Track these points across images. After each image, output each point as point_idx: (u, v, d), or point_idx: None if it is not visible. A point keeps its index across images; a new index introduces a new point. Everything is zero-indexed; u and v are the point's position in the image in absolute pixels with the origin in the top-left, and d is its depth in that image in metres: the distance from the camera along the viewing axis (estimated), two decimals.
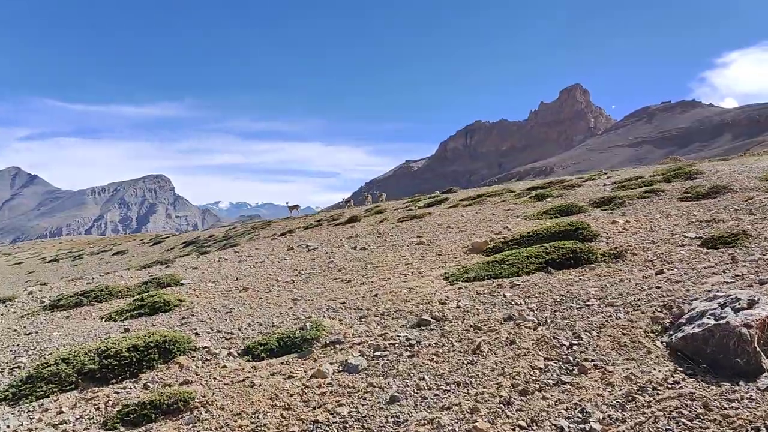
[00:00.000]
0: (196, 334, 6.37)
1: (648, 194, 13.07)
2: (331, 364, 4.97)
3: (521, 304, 5.87)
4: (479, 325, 5.37)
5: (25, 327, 8.38)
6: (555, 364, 4.36)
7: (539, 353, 4.59)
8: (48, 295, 11.51)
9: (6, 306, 10.69)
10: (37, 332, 7.88)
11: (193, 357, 5.63)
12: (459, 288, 6.88)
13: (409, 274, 8.20)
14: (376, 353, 5.06)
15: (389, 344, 5.21)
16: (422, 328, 5.55)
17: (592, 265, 7.15)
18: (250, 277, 10.28)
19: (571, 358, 4.40)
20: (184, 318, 7.41)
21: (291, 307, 7.19)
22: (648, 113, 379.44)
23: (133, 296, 9.63)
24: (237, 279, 10.18)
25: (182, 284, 10.28)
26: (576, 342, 4.71)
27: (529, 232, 9.19)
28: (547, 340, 4.81)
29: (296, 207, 44.84)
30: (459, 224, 13.64)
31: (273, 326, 6.35)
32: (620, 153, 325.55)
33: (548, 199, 15.84)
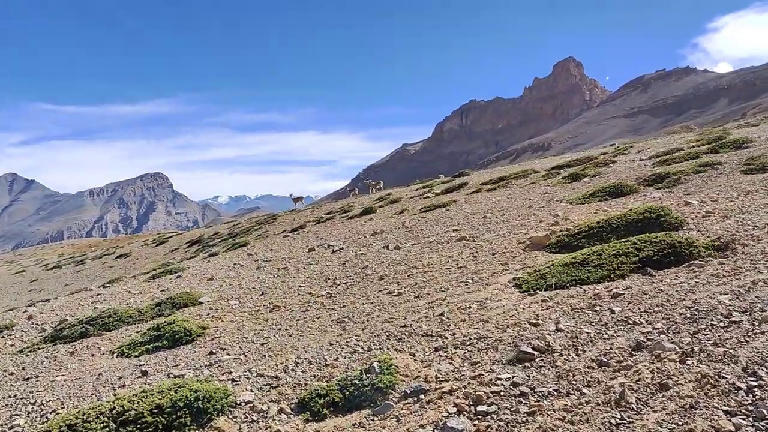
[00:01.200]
0: (233, 380, 5.12)
1: (704, 168, 11.81)
2: (422, 427, 3.75)
3: (642, 323, 4.62)
4: (603, 359, 4.12)
5: (23, 368, 7.14)
6: (746, 423, 3.14)
7: (713, 404, 3.35)
8: (50, 320, 10.27)
9: (3, 337, 9.46)
10: (37, 376, 6.64)
11: (235, 418, 4.39)
12: (544, 301, 5.65)
13: (469, 281, 6.96)
14: (479, 408, 3.82)
15: (492, 393, 3.97)
16: (526, 365, 4.31)
17: (699, 261, 5.90)
18: (276, 290, 9.03)
19: (765, 411, 3.18)
20: (212, 353, 6.16)
21: (340, 334, 5.96)
22: (643, 83, 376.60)
23: (147, 321, 8.39)
24: (263, 294, 8.92)
25: (200, 303, 9.02)
26: (755, 383, 3.48)
27: (598, 222, 7.92)
28: (712, 382, 3.57)
29: (300, 199, 43.05)
30: (496, 213, 12.39)
31: (327, 365, 5.11)
32: (617, 124, 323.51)
33: (585, 179, 14.57)
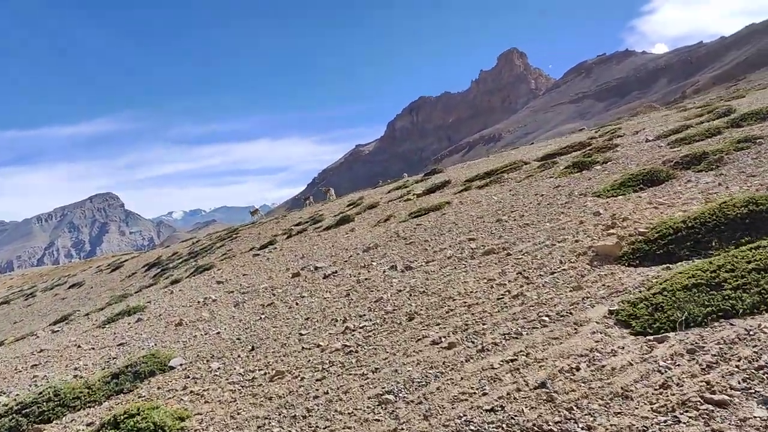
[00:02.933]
0: None
1: (745, 144, 10.28)
2: None
3: None
4: None
5: None
6: None
7: None
8: None
9: None
10: None
11: None
12: (690, 351, 3.82)
13: (545, 319, 5.08)
14: None
15: None
16: None
17: None
18: (270, 342, 6.94)
19: None
20: None
21: (394, 430, 3.97)
22: (585, 68, 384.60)
23: (101, 403, 6.20)
24: (253, 349, 6.81)
25: (172, 368, 6.85)
26: None
27: (684, 222, 6.16)
28: None
29: (257, 211, 44.82)
30: (510, 214, 10.58)
31: None
32: (564, 110, 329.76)
33: (597, 167, 12.93)
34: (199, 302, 11.58)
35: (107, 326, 12.08)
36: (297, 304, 8.54)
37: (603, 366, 3.97)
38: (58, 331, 15.64)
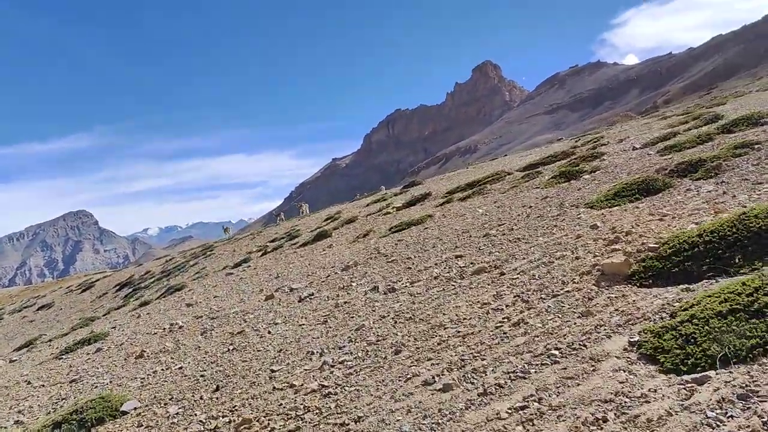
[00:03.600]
0: None
1: (743, 150, 9.76)
2: None
3: None
4: None
5: None
6: None
7: None
8: None
9: None
10: None
11: None
12: (741, 397, 3.14)
13: (553, 352, 4.37)
14: None
15: None
16: None
17: None
18: (237, 379, 6.09)
19: None
20: None
21: None
22: (558, 79, 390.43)
23: None
24: (217, 389, 5.95)
25: (124, 413, 5.96)
26: None
27: (700, 236, 5.51)
28: None
29: (228, 229, 45.75)
30: (498, 228, 9.90)
31: None
32: (538, 121, 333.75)
33: (585, 176, 12.36)
34: (164, 329, 10.66)
35: (65, 357, 11.08)
36: (269, 332, 7.70)
37: (636, 417, 3.26)
38: (15, 360, 14.55)
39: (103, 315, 21.88)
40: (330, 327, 7.02)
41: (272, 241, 24.83)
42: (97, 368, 8.72)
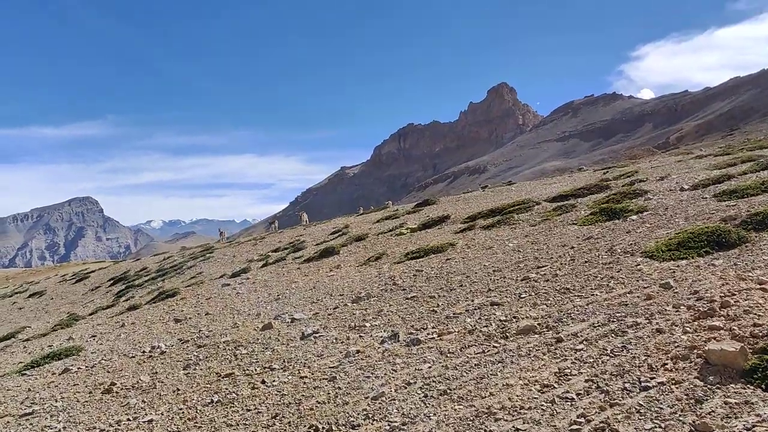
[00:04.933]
0: None
1: None
2: None
3: None
4: None
5: None
6: None
7: None
8: None
9: None
10: None
11: None
12: None
13: None
14: None
15: None
16: None
17: None
18: None
19: None
20: None
21: None
22: (573, 108, 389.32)
23: None
24: None
25: None
26: None
27: None
28: None
29: (223, 233, 48.38)
30: (537, 270, 8.52)
31: None
32: (549, 148, 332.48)
33: (632, 217, 10.99)
34: (144, 352, 9.28)
35: (28, 373, 9.70)
36: (264, 382, 6.29)
37: None
38: None
39: (89, 314, 20.60)
40: (340, 388, 5.61)
41: (275, 250, 23.48)
42: (56, 401, 7.32)
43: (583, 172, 28.78)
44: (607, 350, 5.07)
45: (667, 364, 4.53)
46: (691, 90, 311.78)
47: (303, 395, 5.64)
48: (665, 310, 5.68)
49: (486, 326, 6.50)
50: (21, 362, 11.41)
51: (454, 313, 7.31)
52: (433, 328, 6.93)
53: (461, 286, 8.80)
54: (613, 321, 5.74)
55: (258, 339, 8.40)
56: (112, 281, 33.60)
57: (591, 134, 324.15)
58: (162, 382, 7.22)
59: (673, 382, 4.24)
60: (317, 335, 7.78)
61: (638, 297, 6.31)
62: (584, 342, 5.37)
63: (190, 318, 12.20)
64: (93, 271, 43.13)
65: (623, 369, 4.62)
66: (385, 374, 5.70)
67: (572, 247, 9.65)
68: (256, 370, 6.85)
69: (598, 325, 5.72)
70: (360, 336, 7.32)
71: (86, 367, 9.13)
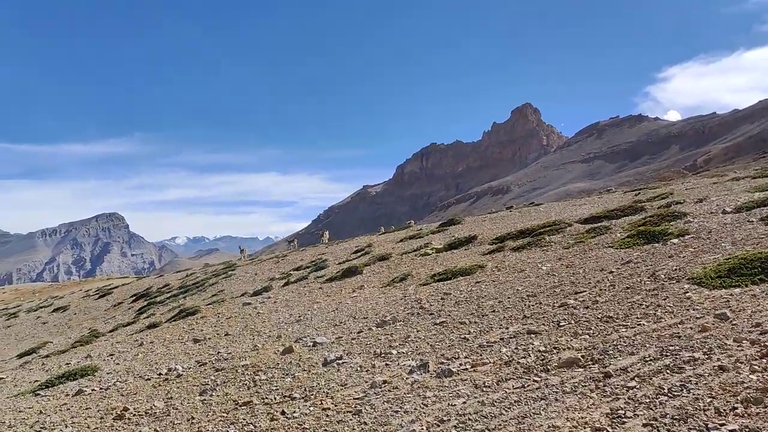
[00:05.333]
0: None
1: None
2: None
3: None
4: None
5: None
6: None
7: None
8: None
9: None
10: None
11: None
12: None
13: None
14: None
15: None
16: None
17: None
18: None
19: None
20: None
21: None
22: (598, 129, 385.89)
23: None
24: None
25: None
26: None
27: None
28: None
29: (244, 250, 48.41)
30: (575, 296, 8.00)
31: None
32: (574, 169, 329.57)
33: (673, 240, 10.40)
34: (160, 374, 8.92)
35: (42, 393, 9.40)
36: (284, 413, 5.86)
37: None
38: (2, 379, 13.07)
39: (109, 331, 20.45)
40: (365, 424, 5.15)
41: (297, 269, 23.14)
42: (66, 426, 6.97)
43: (613, 193, 28.05)
44: (664, 389, 4.55)
45: (737, 408, 4.01)
46: (719, 112, 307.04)
47: (326, 430, 5.20)
48: (725, 344, 5.14)
49: (524, 357, 6.00)
50: (37, 381, 11.15)
51: (487, 342, 6.83)
52: (465, 357, 6.45)
53: (494, 311, 8.30)
54: (667, 355, 5.21)
55: (278, 364, 7.99)
56: (134, 297, 33.67)
57: (616, 156, 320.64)
58: (176, 408, 6.83)
59: (747, 430, 3.72)
60: (341, 362, 7.35)
61: (691, 328, 5.78)
62: (636, 379, 4.85)
63: (209, 338, 11.86)
64: (116, 287, 43.36)
65: (686, 412, 4.10)
66: (415, 409, 5.23)
67: (611, 272, 9.10)
68: (275, 398, 6.43)
69: (650, 360, 5.20)
70: (386, 364, 6.86)
71: (100, 388, 8.80)
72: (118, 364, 11.08)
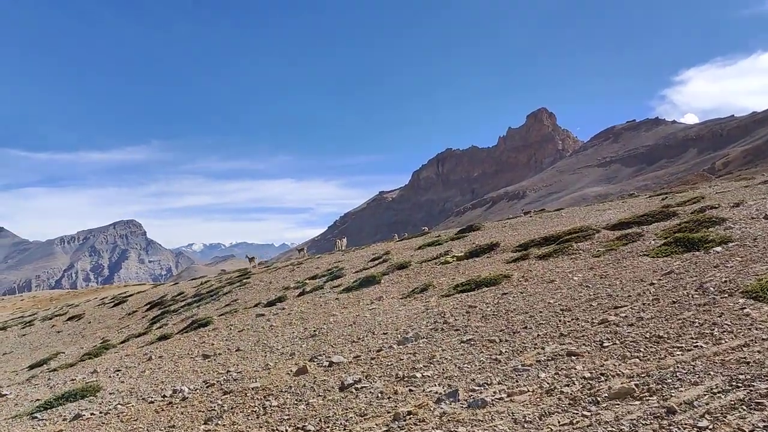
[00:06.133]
0: None
1: None
2: None
3: None
4: None
5: None
6: None
7: None
8: None
9: None
10: None
11: None
12: None
13: None
14: None
15: None
16: None
17: None
18: None
19: None
20: None
21: None
22: (614, 133, 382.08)
23: None
24: None
25: None
26: None
27: None
28: None
29: (253, 258, 46.89)
30: (615, 311, 7.26)
31: None
32: (590, 173, 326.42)
33: (716, 249, 9.60)
34: (164, 397, 8.32)
35: (38, 416, 8.85)
36: None
37: None
38: (4, 396, 12.59)
39: (121, 342, 20.01)
40: None
41: (312, 278, 22.52)
42: None
43: (636, 198, 27.13)
44: (743, 430, 3.82)
45: None
46: (737, 115, 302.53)
47: None
48: None
49: (568, 385, 5.29)
50: (38, 400, 10.63)
51: (523, 365, 6.12)
52: (499, 383, 5.74)
53: (525, 328, 7.59)
54: (739, 386, 4.48)
55: (291, 387, 7.33)
56: (148, 306, 33.40)
57: (633, 160, 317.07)
58: None
59: None
60: (359, 386, 6.67)
61: (759, 352, 5.04)
62: (707, 416, 4.13)
63: (219, 354, 11.26)
64: (131, 295, 43.23)
65: None
66: None
67: (651, 284, 8.35)
68: (287, 429, 5.77)
69: (719, 392, 4.48)
70: (410, 390, 6.18)
71: (99, 412, 8.21)
72: (122, 382, 10.53)
